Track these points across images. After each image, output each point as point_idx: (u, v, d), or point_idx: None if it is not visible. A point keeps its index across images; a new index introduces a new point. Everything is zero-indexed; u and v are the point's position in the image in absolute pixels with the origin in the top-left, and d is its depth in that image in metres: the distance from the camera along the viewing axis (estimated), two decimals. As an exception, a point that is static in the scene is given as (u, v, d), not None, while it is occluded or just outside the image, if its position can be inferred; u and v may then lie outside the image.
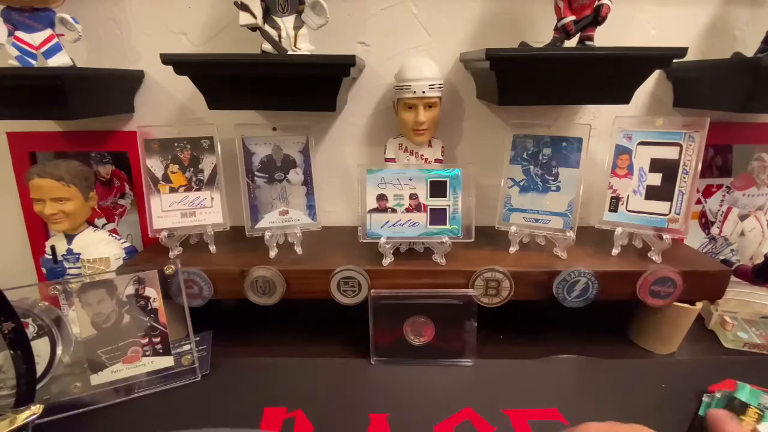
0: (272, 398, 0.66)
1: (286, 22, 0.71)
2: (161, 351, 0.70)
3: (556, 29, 0.72)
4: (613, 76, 0.71)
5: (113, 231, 0.95)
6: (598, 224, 0.80)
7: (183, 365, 0.71)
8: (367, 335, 0.75)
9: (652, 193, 0.77)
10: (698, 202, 0.97)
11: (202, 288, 0.76)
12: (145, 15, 0.84)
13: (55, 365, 0.66)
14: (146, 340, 0.70)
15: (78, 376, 0.66)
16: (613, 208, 0.79)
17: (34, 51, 0.72)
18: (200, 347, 0.77)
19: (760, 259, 0.90)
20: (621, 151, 0.79)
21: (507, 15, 0.83)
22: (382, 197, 0.76)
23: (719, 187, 0.97)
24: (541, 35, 0.81)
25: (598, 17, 0.69)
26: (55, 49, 0.73)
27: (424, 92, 0.75)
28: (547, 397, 0.66)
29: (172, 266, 0.70)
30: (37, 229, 0.94)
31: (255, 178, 0.80)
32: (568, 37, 0.71)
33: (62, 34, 0.74)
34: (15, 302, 0.55)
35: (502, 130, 0.90)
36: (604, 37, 0.72)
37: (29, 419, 0.51)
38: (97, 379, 0.67)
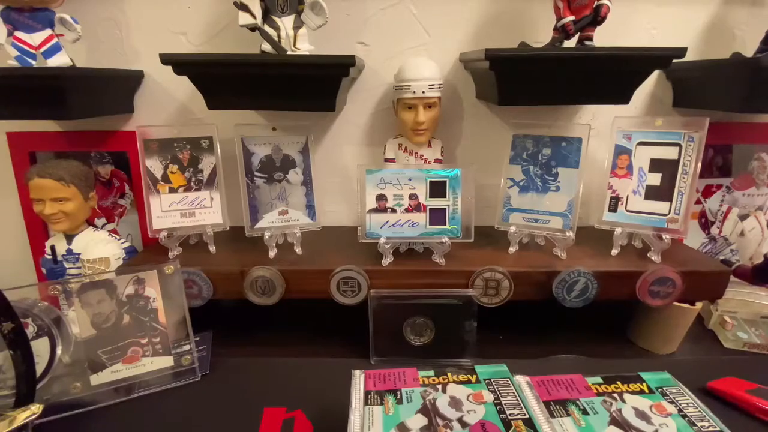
0: (272, 398, 0.66)
1: (286, 22, 0.71)
2: (161, 351, 0.70)
3: (556, 29, 0.72)
4: (612, 76, 0.71)
5: (113, 231, 0.95)
6: (597, 224, 0.80)
7: (183, 365, 0.71)
8: (367, 335, 0.75)
9: (651, 193, 0.77)
10: (698, 202, 0.97)
11: (201, 288, 0.76)
12: (144, 15, 0.84)
13: (55, 365, 0.66)
14: (146, 340, 0.70)
15: (78, 376, 0.66)
16: (613, 208, 0.79)
17: (33, 51, 0.72)
18: (200, 347, 0.77)
19: (759, 259, 0.91)
20: (620, 151, 0.79)
21: (507, 15, 0.83)
22: (381, 197, 0.76)
23: (719, 187, 0.97)
24: (540, 35, 0.81)
25: (597, 17, 0.69)
26: (55, 49, 0.73)
27: (423, 92, 0.75)
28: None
29: (172, 266, 0.70)
30: (37, 229, 0.94)
31: (254, 178, 0.80)
32: (568, 37, 0.71)
33: (62, 34, 0.74)
34: (15, 302, 0.55)
35: (501, 130, 0.90)
36: (603, 37, 0.72)
37: (29, 419, 0.51)
38: (97, 379, 0.67)
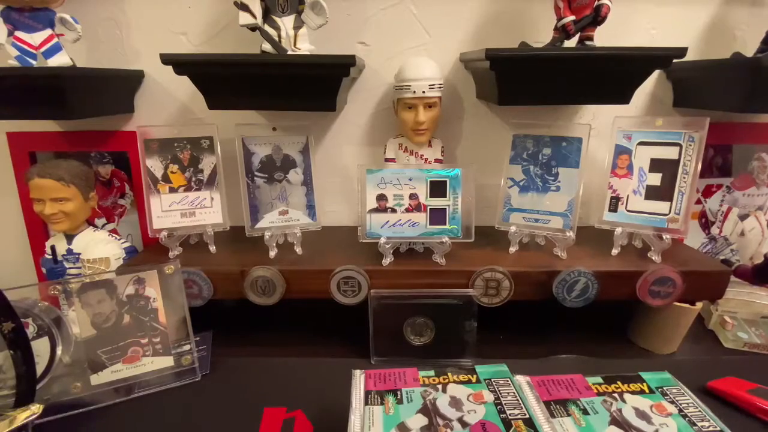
0: (272, 398, 0.66)
1: (286, 22, 0.71)
2: (161, 351, 0.70)
3: (556, 29, 0.72)
4: (613, 76, 0.71)
5: (113, 231, 0.95)
6: (597, 224, 0.80)
7: (183, 365, 0.71)
8: (367, 335, 0.75)
9: (651, 193, 0.77)
10: (698, 202, 0.97)
11: (202, 288, 0.76)
12: (144, 15, 0.84)
13: (55, 365, 0.66)
14: (146, 340, 0.70)
15: (78, 376, 0.66)
16: (613, 208, 0.79)
17: (33, 51, 0.72)
18: (200, 347, 0.77)
19: (760, 259, 0.91)
20: (621, 151, 0.79)
21: (507, 15, 0.83)
22: (382, 197, 0.76)
23: (719, 187, 0.97)
24: (541, 35, 0.81)
25: (597, 17, 0.69)
26: (55, 49, 0.73)
27: (424, 92, 0.75)
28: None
29: (172, 266, 0.70)
30: (37, 229, 0.94)
31: (255, 178, 0.80)
32: (568, 37, 0.71)
33: (62, 34, 0.74)
34: (15, 302, 0.55)
35: (502, 130, 0.90)
36: (603, 37, 0.72)
37: (29, 419, 0.51)
38: (97, 379, 0.67)
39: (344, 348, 0.81)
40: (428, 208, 0.76)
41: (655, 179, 0.77)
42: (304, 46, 0.73)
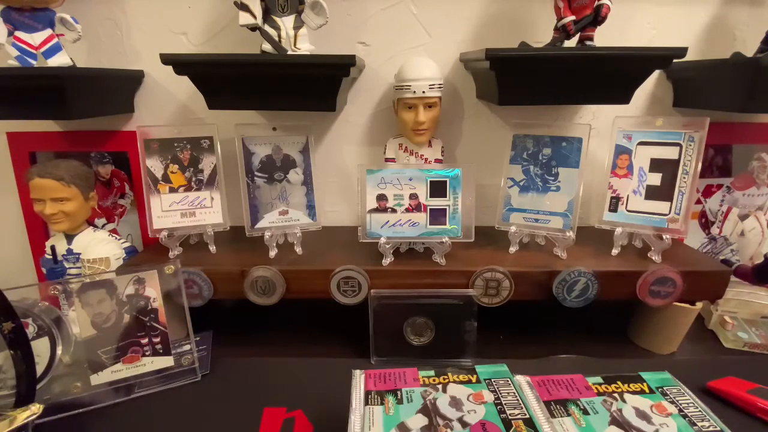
0: (272, 398, 0.66)
1: (286, 22, 0.71)
2: (161, 351, 0.70)
3: (556, 29, 0.72)
4: (613, 76, 0.71)
5: (113, 231, 0.95)
6: (598, 224, 0.80)
7: (183, 365, 0.71)
8: (367, 335, 0.75)
9: (651, 193, 0.77)
10: (698, 202, 0.97)
11: (202, 288, 0.76)
12: (144, 15, 0.84)
13: (55, 365, 0.66)
14: (146, 340, 0.70)
15: (78, 376, 0.66)
16: (613, 208, 0.79)
17: (34, 51, 0.72)
18: (200, 347, 0.77)
19: (760, 259, 0.91)
20: (621, 151, 0.79)
21: (507, 15, 0.83)
22: (382, 197, 0.76)
23: (719, 187, 0.97)
24: (541, 35, 0.82)
25: (597, 17, 0.69)
26: (55, 49, 0.73)
27: (424, 92, 0.75)
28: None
29: (172, 266, 0.70)
30: (37, 229, 0.94)
31: (255, 178, 0.80)
32: (568, 37, 0.71)
33: (62, 34, 0.74)
34: (15, 302, 0.55)
35: (502, 130, 0.90)
36: (604, 37, 0.72)
37: (29, 419, 0.51)
38: (97, 379, 0.67)
39: (344, 348, 0.81)
40: (428, 208, 0.76)
41: (655, 179, 0.77)
42: (304, 46, 0.73)
